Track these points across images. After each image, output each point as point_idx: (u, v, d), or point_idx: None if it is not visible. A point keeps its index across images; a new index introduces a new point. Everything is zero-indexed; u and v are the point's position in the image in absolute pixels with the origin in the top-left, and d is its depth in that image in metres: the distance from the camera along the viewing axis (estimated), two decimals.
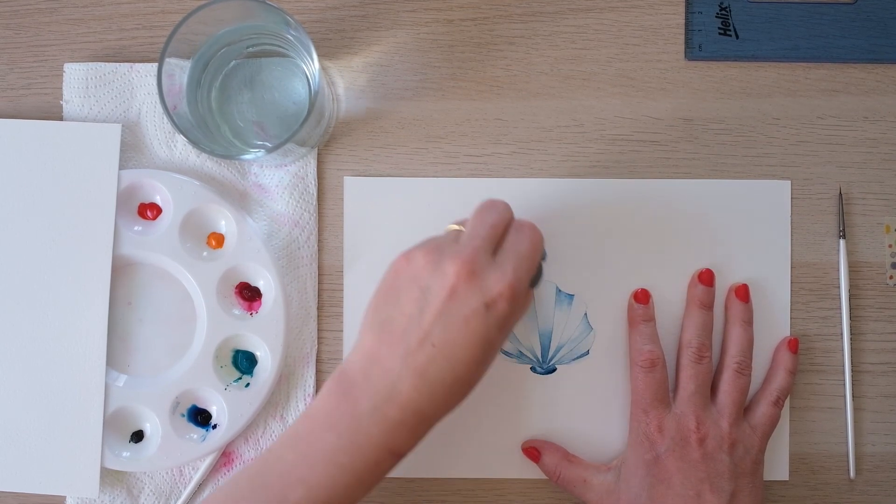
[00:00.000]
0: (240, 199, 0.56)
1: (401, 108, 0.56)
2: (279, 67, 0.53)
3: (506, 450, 0.55)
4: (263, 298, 0.55)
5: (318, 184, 0.56)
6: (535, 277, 0.47)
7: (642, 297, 0.54)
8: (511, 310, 0.44)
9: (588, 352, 0.55)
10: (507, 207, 0.48)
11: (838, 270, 0.56)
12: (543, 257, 0.49)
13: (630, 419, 0.53)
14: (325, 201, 0.56)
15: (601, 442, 0.55)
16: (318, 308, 0.56)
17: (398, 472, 0.55)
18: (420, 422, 0.44)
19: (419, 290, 0.44)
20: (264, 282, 0.55)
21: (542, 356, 0.55)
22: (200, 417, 0.55)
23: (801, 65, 0.56)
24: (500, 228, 0.46)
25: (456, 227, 0.48)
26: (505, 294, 0.44)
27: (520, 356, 0.55)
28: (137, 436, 0.55)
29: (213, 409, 0.55)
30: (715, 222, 0.55)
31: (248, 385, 0.54)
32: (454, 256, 0.44)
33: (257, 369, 0.55)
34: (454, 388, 0.44)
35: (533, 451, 0.54)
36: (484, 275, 0.44)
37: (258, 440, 0.55)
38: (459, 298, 0.44)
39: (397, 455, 0.45)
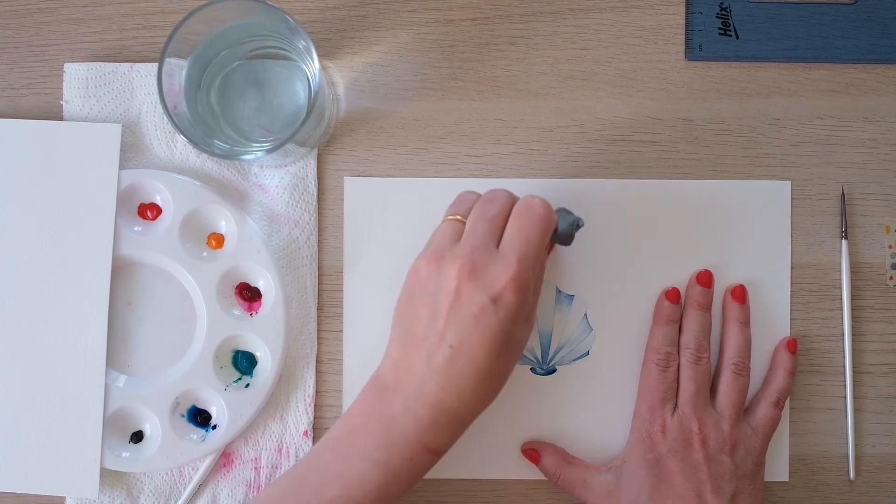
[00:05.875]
0: (240, 200, 0.56)
1: (401, 108, 0.56)
2: (279, 68, 0.53)
3: (505, 451, 0.55)
4: (263, 299, 0.55)
5: (318, 184, 0.56)
6: (566, 236, 0.49)
7: (673, 296, 0.54)
8: (520, 299, 0.45)
9: (588, 352, 0.55)
10: (507, 196, 0.48)
11: (839, 271, 0.55)
12: (576, 226, 0.49)
13: (633, 417, 0.53)
14: (325, 201, 0.56)
15: (601, 443, 0.55)
16: (318, 308, 0.56)
17: None
18: (451, 419, 0.46)
19: (429, 296, 0.46)
20: (264, 282, 0.55)
21: (542, 357, 0.55)
22: (200, 418, 0.55)
23: (801, 65, 0.56)
24: (500, 219, 0.47)
25: (452, 218, 0.49)
26: (509, 286, 0.45)
27: (520, 357, 0.55)
28: (137, 436, 0.55)
29: (212, 410, 0.55)
30: (715, 222, 0.55)
31: (247, 385, 0.54)
32: (453, 259, 0.46)
33: (257, 370, 0.55)
34: (480, 384, 0.46)
35: (532, 452, 0.54)
36: (485, 271, 0.45)
37: (258, 441, 0.55)
38: (465, 298, 0.45)
39: (433, 452, 0.47)
